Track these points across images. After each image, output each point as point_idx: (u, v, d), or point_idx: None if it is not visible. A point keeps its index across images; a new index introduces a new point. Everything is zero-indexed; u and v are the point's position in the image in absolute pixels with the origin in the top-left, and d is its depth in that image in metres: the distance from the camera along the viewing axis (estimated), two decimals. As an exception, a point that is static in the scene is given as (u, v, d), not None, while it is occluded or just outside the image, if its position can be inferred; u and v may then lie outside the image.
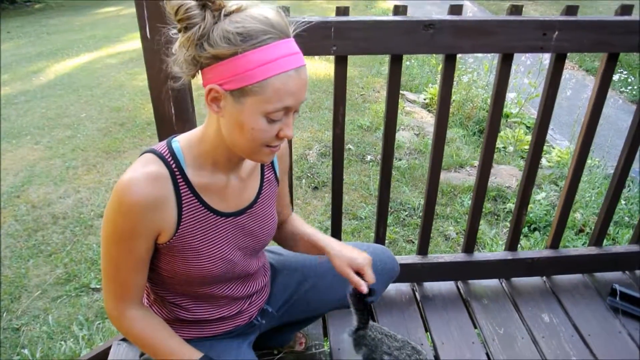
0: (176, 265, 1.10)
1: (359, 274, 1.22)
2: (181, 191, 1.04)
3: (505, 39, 1.51)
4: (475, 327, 1.79)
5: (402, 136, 4.32)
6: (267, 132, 0.96)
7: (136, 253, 1.04)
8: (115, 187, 0.99)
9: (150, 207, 0.99)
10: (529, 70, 4.68)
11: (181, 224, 1.05)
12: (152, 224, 1.02)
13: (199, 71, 0.96)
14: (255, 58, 0.89)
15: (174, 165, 1.03)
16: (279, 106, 0.93)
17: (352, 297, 1.25)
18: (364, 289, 1.20)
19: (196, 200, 1.07)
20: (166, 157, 1.03)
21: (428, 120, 4.84)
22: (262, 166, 1.21)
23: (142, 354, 1.31)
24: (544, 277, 2.02)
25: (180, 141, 1.07)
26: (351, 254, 1.23)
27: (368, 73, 6.06)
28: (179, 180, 1.03)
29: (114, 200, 0.99)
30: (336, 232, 1.82)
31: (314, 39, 1.37)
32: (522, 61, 5.48)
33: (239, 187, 1.14)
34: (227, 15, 0.90)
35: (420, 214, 3.28)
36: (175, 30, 0.94)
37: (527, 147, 4.35)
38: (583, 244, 2.97)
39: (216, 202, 1.10)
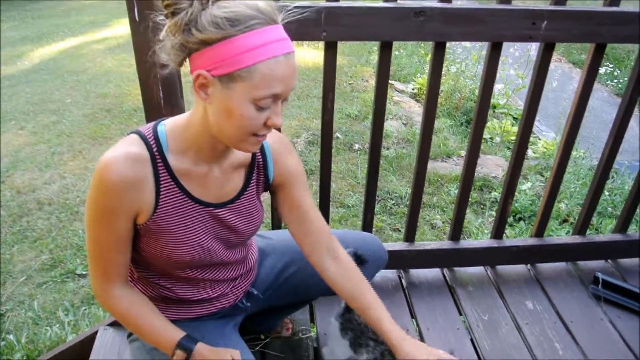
0: (153, 247, 1.11)
1: None
2: (160, 174, 1.04)
3: (494, 27, 1.51)
4: (460, 314, 1.81)
5: (390, 125, 4.33)
6: (255, 119, 0.94)
7: (116, 231, 1.05)
8: (96, 166, 1.00)
9: (128, 187, 1.00)
10: (517, 62, 4.71)
11: (158, 206, 1.06)
12: (130, 203, 1.02)
13: (187, 59, 0.95)
14: (243, 43, 0.88)
15: (155, 149, 1.03)
16: (267, 92, 0.91)
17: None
18: None
19: (174, 185, 1.07)
20: (149, 139, 1.04)
21: (416, 110, 4.86)
22: (251, 165, 1.18)
23: (129, 335, 1.31)
24: (529, 265, 2.05)
25: (166, 125, 1.07)
26: (428, 352, 1.18)
27: (357, 62, 6.05)
28: (158, 164, 1.04)
29: (95, 179, 1.00)
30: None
31: (304, 24, 1.36)
32: (511, 53, 5.51)
33: (221, 179, 1.13)
34: (216, 0, 0.90)
35: (407, 203, 3.31)
36: (162, 17, 0.94)
37: (513, 138, 4.38)
38: (567, 234, 3.01)
39: (195, 189, 1.10)
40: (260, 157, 1.18)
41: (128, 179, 1.00)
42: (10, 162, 3.75)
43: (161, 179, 1.05)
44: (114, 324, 1.74)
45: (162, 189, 1.05)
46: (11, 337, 2.27)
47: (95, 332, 1.73)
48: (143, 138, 1.04)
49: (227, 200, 1.16)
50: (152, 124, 1.07)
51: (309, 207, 1.25)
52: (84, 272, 2.68)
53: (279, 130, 1.46)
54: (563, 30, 1.56)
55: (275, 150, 1.20)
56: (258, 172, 1.19)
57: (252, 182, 1.19)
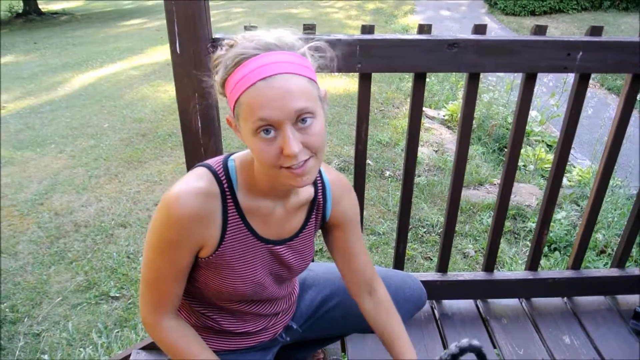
0: (209, 279, 1.12)
1: None
2: (229, 211, 1.05)
3: (528, 58, 1.51)
4: (495, 347, 1.77)
5: (422, 152, 4.32)
6: (267, 151, 0.91)
7: (178, 264, 1.06)
8: (164, 197, 1.00)
9: (196, 222, 1.01)
10: (553, 92, 4.66)
11: (223, 242, 1.07)
12: (196, 238, 1.03)
13: None
14: (231, 80, 0.91)
15: (226, 185, 1.04)
16: (255, 121, 0.89)
17: None
18: None
19: (241, 222, 1.08)
20: (220, 175, 1.04)
21: (447, 137, 4.84)
22: (312, 204, 1.18)
23: None
24: (565, 298, 2.00)
25: (236, 160, 1.07)
26: None
27: (388, 89, 6.08)
28: (228, 201, 1.05)
29: (162, 211, 1.00)
30: (356, 248, 1.83)
31: (339, 56, 1.39)
32: (545, 82, 5.46)
33: (283, 217, 1.13)
34: None
35: (439, 231, 3.28)
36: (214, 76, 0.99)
37: (547, 165, 4.32)
38: (605, 265, 2.93)
39: (259, 226, 1.11)
40: (321, 196, 1.18)
41: (197, 214, 1.00)
42: (49, 184, 3.87)
43: (229, 215, 1.05)
44: (147, 348, 1.76)
45: (229, 225, 1.06)
46: (46, 357, 2.32)
47: (128, 356, 1.75)
48: (214, 173, 1.04)
49: (287, 238, 1.16)
50: (221, 158, 1.08)
51: (358, 250, 1.26)
52: (117, 295, 2.72)
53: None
54: (598, 60, 1.54)
55: (335, 191, 1.20)
56: (317, 211, 1.20)
57: (311, 220, 1.19)
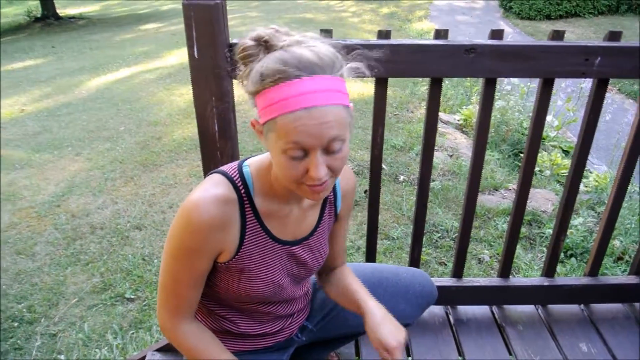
0: (229, 284, 1.13)
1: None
2: (246, 216, 1.07)
3: (546, 64, 1.50)
4: (510, 354, 1.76)
5: (436, 157, 4.31)
6: (291, 169, 0.94)
7: (196, 270, 1.07)
8: (183, 205, 1.02)
9: (216, 228, 1.02)
10: (569, 96, 4.62)
11: (242, 247, 1.08)
12: (215, 244, 1.05)
13: None
14: (269, 96, 0.90)
15: (243, 191, 1.06)
16: (288, 144, 0.90)
17: None
18: None
19: (259, 227, 1.09)
20: (236, 181, 1.06)
21: (462, 141, 4.82)
22: (324, 202, 1.21)
23: None
24: (582, 305, 1.98)
25: (251, 166, 1.09)
26: (386, 334, 1.15)
27: (402, 93, 6.07)
28: (246, 206, 1.06)
29: (182, 218, 1.02)
30: (371, 253, 1.83)
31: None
32: (562, 88, 5.42)
33: (299, 217, 1.16)
34: (280, 49, 0.93)
35: (453, 236, 3.27)
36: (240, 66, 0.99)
37: (563, 171, 4.28)
38: (623, 272, 2.90)
39: (276, 229, 1.13)
40: (331, 193, 1.21)
41: (216, 220, 1.01)
42: (66, 186, 3.91)
43: (247, 220, 1.07)
44: (162, 349, 1.77)
45: (247, 230, 1.08)
46: (62, 357, 2.34)
47: (144, 357, 1.77)
48: (230, 180, 1.06)
49: (302, 238, 1.18)
50: (235, 164, 1.10)
51: (340, 239, 1.35)
52: (132, 297, 2.75)
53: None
54: (616, 66, 1.53)
55: (344, 187, 1.23)
56: (330, 207, 1.22)
57: (324, 217, 1.22)
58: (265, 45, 0.94)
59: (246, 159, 1.11)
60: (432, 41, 1.46)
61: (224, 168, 1.09)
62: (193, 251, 1.04)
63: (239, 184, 1.06)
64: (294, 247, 1.17)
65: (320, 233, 1.22)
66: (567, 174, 4.28)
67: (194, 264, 1.06)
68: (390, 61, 1.44)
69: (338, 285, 1.33)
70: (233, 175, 1.06)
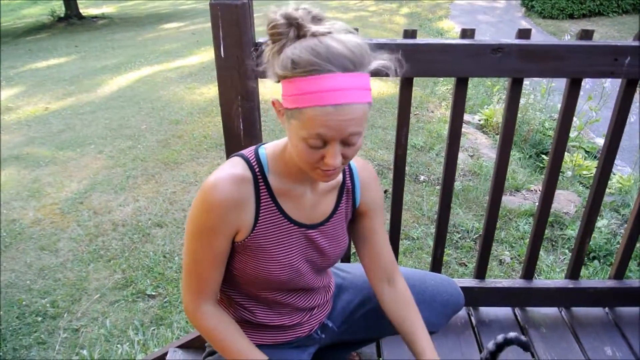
0: (247, 265, 1.16)
1: None
2: (261, 194, 1.10)
3: (574, 63, 1.48)
4: (533, 356, 1.74)
5: (456, 157, 4.27)
6: (309, 155, 0.98)
7: (215, 249, 1.11)
8: (202, 186, 1.07)
9: (232, 206, 1.06)
10: (590, 95, 4.55)
11: (257, 224, 1.11)
12: (232, 222, 1.08)
13: None
14: (298, 86, 0.92)
15: (257, 170, 1.10)
16: (311, 134, 0.94)
17: None
18: None
19: (273, 205, 1.12)
20: (252, 162, 1.10)
21: (483, 141, 4.78)
22: (341, 189, 1.22)
23: (205, 357, 1.35)
24: (607, 309, 1.95)
25: (267, 148, 1.13)
26: None
27: (422, 93, 6.04)
28: (260, 184, 1.10)
29: (200, 198, 1.07)
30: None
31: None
32: (585, 87, 5.34)
33: (313, 200, 1.18)
34: (309, 37, 0.94)
35: (474, 237, 3.24)
36: (268, 40, 1.00)
37: (586, 172, 4.22)
38: (646, 276, 2.85)
39: (291, 209, 1.15)
40: (349, 181, 1.22)
41: (232, 199, 1.06)
42: (89, 184, 3.97)
43: (262, 198, 1.11)
44: (184, 346, 1.79)
45: (262, 208, 1.11)
46: (84, 352, 2.37)
47: (165, 354, 1.78)
48: (246, 160, 1.10)
49: (319, 222, 1.20)
50: (253, 147, 1.14)
51: (381, 239, 1.30)
52: (153, 293, 2.77)
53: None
54: (647, 66, 1.51)
55: (363, 178, 1.24)
56: (347, 196, 1.23)
57: (341, 205, 1.23)
58: (296, 26, 0.95)
59: (263, 143, 1.16)
60: (458, 40, 1.45)
61: (242, 151, 1.14)
62: (211, 230, 1.08)
63: (254, 164, 1.10)
64: (310, 231, 1.18)
65: (337, 220, 1.23)
66: (590, 175, 4.22)
67: (212, 244, 1.09)
68: (416, 60, 1.43)
69: (399, 313, 1.30)
70: (249, 156, 1.11)
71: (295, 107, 0.94)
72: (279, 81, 0.98)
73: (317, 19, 0.97)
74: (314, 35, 0.94)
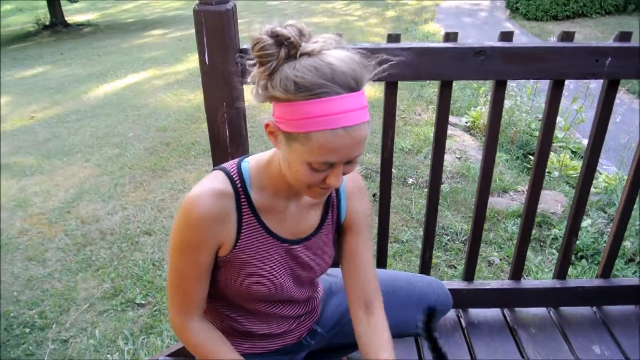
0: (229, 279, 1.15)
1: None
2: (242, 210, 1.09)
3: (556, 65, 1.50)
4: (523, 357, 1.75)
5: (444, 160, 4.29)
6: (310, 177, 0.96)
7: (199, 264, 1.10)
8: (183, 201, 1.05)
9: (213, 221, 1.05)
10: (575, 96, 4.60)
11: (239, 240, 1.10)
12: (215, 236, 1.07)
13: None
14: (305, 109, 0.89)
15: (239, 185, 1.08)
16: (320, 160, 0.92)
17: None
18: None
19: (255, 221, 1.11)
20: (234, 176, 1.09)
21: (470, 143, 4.81)
22: (327, 203, 1.20)
23: None
24: (594, 307, 1.96)
25: (250, 162, 1.11)
26: None
27: (409, 96, 6.07)
28: (242, 200, 1.08)
29: (181, 213, 1.05)
30: (381, 257, 1.83)
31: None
32: (566, 85, 5.38)
33: (297, 215, 1.16)
34: (302, 56, 0.90)
35: (463, 239, 3.26)
36: (252, 62, 0.95)
37: (572, 172, 4.26)
38: (633, 273, 2.87)
39: (274, 224, 1.13)
40: (335, 195, 1.21)
41: (213, 214, 1.04)
42: (76, 192, 3.94)
43: (243, 213, 1.09)
44: (174, 354, 1.78)
45: (243, 224, 1.10)
46: (74, 363, 2.35)
47: (156, 362, 1.77)
48: (227, 174, 1.09)
49: (303, 237, 1.18)
50: (236, 160, 1.12)
51: (365, 259, 1.24)
52: (142, 302, 2.75)
53: None
54: (627, 66, 1.52)
55: (349, 189, 1.22)
56: (332, 210, 1.21)
57: (327, 220, 1.21)
58: (288, 45, 0.90)
59: (247, 156, 1.14)
60: (442, 44, 1.47)
61: (225, 164, 1.12)
62: (194, 245, 1.07)
63: (235, 179, 1.08)
64: (293, 247, 1.17)
65: (323, 236, 1.21)
66: (576, 175, 4.26)
67: (196, 259, 1.08)
68: (400, 65, 1.44)
69: (369, 341, 1.22)
70: (231, 170, 1.09)
71: (300, 131, 0.90)
72: (265, 102, 0.95)
73: (306, 36, 0.92)
74: (309, 54, 0.90)
